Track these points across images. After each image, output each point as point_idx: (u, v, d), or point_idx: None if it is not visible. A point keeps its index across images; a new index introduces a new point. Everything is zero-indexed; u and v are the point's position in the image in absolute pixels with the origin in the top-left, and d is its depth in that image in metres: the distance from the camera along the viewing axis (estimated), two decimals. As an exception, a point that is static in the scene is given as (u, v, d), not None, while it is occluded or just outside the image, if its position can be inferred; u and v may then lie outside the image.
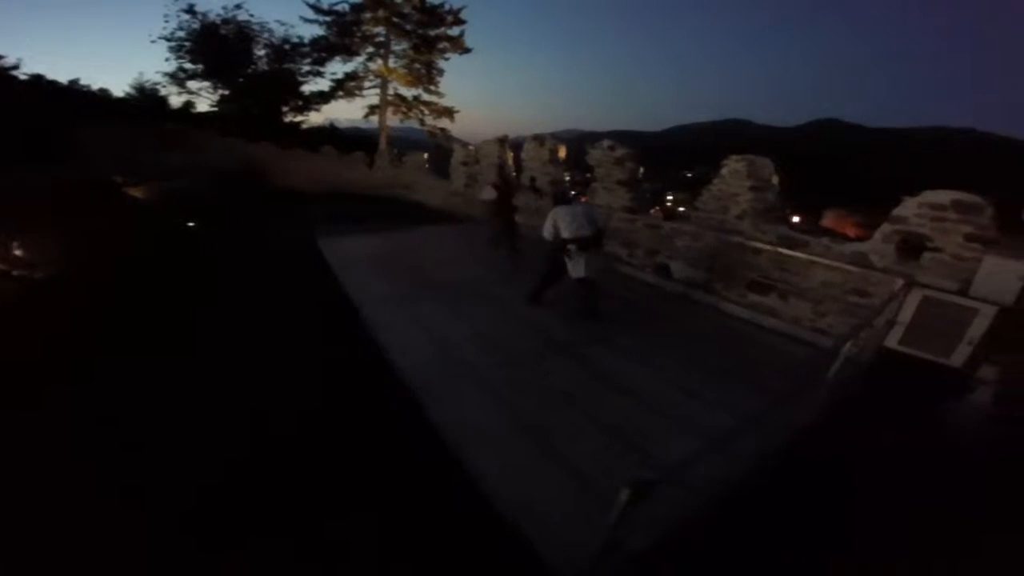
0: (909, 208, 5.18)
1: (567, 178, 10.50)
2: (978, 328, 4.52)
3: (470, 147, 13.81)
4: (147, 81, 27.92)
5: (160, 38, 25.35)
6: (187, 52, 25.67)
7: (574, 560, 2.48)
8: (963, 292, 4.69)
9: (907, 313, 4.88)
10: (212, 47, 25.53)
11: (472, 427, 3.72)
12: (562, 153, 10.30)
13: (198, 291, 6.79)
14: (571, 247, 5.54)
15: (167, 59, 25.82)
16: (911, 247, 5.20)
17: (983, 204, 4.71)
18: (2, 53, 22.89)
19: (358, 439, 3.68)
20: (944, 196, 4.93)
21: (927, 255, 5.05)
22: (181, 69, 26.14)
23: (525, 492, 3.05)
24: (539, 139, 10.52)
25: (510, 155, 12.06)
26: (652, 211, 8.96)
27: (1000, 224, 4.69)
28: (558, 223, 5.60)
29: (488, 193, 8.99)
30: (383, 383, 4.46)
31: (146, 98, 27.37)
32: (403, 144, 23.87)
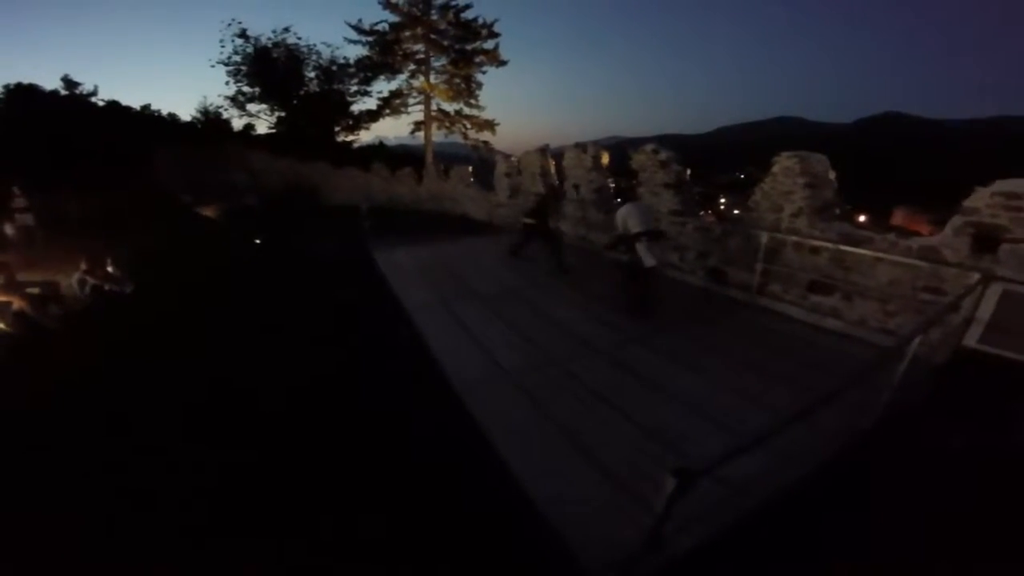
0: (981, 199, 4.84)
1: (611, 184, 10.41)
2: (1070, 325, 4.15)
3: (512, 158, 13.96)
4: (211, 105, 29.92)
5: (218, 63, 27.14)
6: (244, 76, 27.31)
7: (609, 560, 2.46)
8: (1050, 286, 4.32)
9: (986, 310, 4.53)
10: (266, 70, 27.06)
11: (512, 427, 3.78)
12: (605, 159, 10.23)
13: (268, 301, 7.22)
14: (643, 239, 5.93)
15: (227, 83, 27.59)
16: (987, 240, 4.84)
17: None
18: (80, 80, 25.05)
19: (404, 437, 3.80)
20: (1019, 185, 4.57)
21: (1005, 247, 4.69)
22: (240, 92, 27.87)
23: (563, 494, 3.06)
24: (581, 146, 10.51)
25: (552, 164, 12.09)
26: (702, 214, 8.73)
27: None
28: (628, 219, 6.08)
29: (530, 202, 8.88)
30: (430, 383, 4.59)
31: (210, 121, 29.33)
32: (448, 158, 24.50)
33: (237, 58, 27.05)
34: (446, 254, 9.58)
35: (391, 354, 5.31)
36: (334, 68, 28.75)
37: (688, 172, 8.36)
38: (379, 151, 31.97)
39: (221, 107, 29.08)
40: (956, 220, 5.03)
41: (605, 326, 5.89)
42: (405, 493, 3.20)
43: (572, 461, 3.42)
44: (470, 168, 17.37)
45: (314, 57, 28.64)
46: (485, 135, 27.89)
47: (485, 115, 27.65)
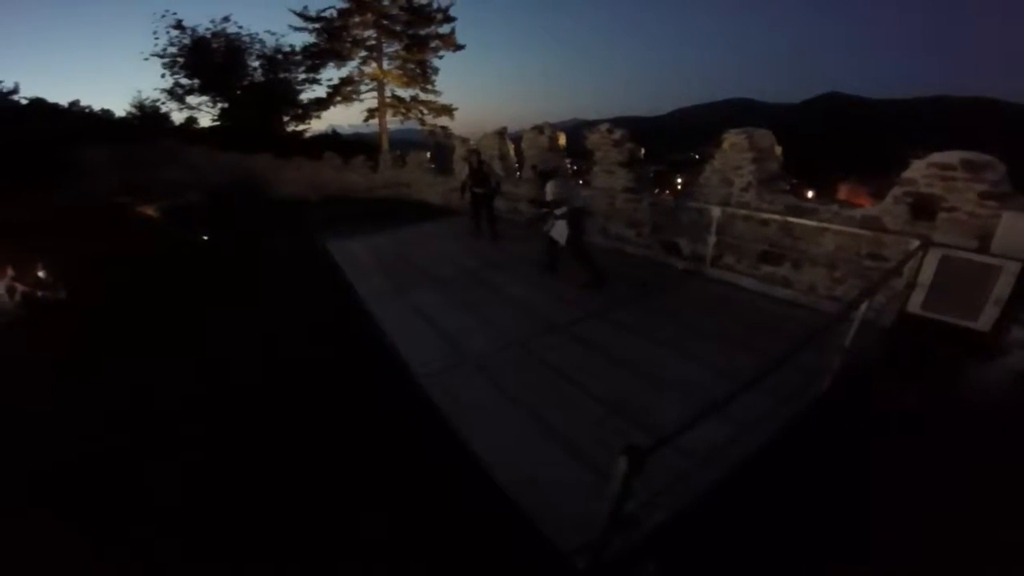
0: (918, 170, 5.04)
1: (571, 166, 10.37)
2: (1004, 286, 4.33)
3: (470, 142, 13.72)
4: (146, 99, 28.18)
5: (153, 55, 25.60)
6: (181, 68, 25.90)
7: (582, 540, 2.42)
8: (983, 250, 4.52)
9: (927, 275, 4.71)
10: (204, 61, 25.74)
11: (477, 413, 3.70)
12: (561, 140, 10.17)
13: (215, 299, 6.82)
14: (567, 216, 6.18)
15: (163, 75, 26.08)
16: (924, 208, 5.04)
17: (994, 162, 4.57)
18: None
19: (364, 429, 3.66)
20: (952, 156, 4.79)
21: (942, 215, 4.89)
22: (178, 85, 26.44)
23: (533, 478, 3.00)
24: (538, 128, 10.41)
25: (511, 147, 11.95)
26: (657, 191, 8.82)
27: (1016, 183, 4.54)
28: (559, 194, 6.24)
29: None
30: (390, 373, 4.44)
31: (147, 116, 27.66)
32: (405, 145, 23.92)
33: (173, 50, 25.64)
34: (403, 241, 9.35)
35: (347, 349, 5.10)
36: (279, 57, 27.53)
37: (642, 151, 8.40)
38: (332, 140, 30.88)
39: (158, 101, 27.49)
40: (896, 190, 5.21)
41: (564, 302, 5.87)
42: (372, 487, 3.08)
43: (540, 443, 3.36)
44: (428, 154, 16.99)
45: (257, 46, 27.36)
46: (443, 120, 27.33)
47: (442, 100, 27.10)
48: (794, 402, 3.59)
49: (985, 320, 4.49)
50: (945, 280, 4.65)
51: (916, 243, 4.70)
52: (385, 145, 25.52)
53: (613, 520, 1.94)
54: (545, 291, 6.26)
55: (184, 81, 26.32)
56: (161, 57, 25.64)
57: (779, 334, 4.93)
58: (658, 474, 1.81)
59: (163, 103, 27.41)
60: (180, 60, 25.76)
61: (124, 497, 3.02)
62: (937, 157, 4.89)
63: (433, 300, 6.09)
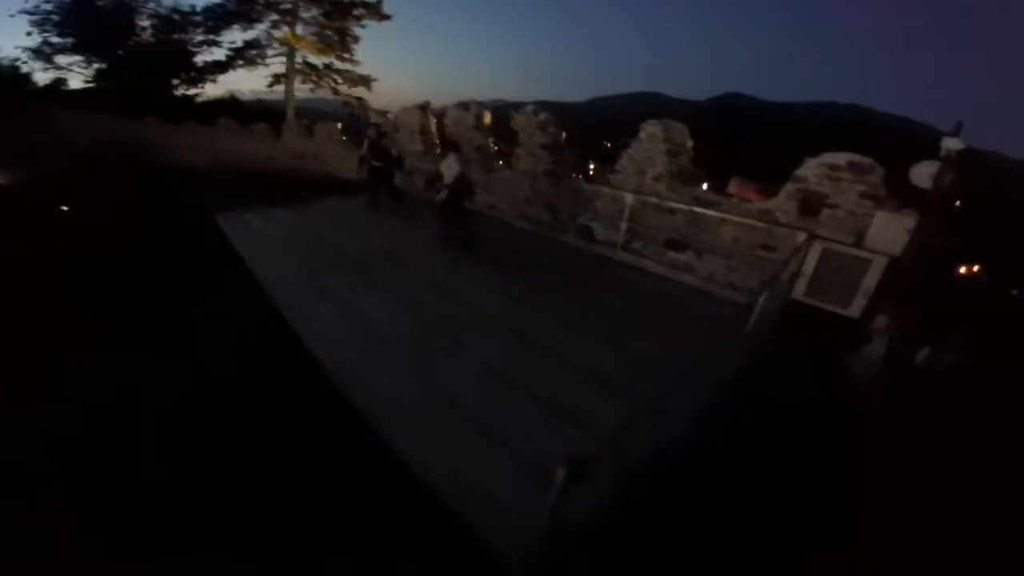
0: (810, 168, 5.49)
1: (493, 146, 10.18)
2: (871, 278, 4.88)
3: (388, 115, 13.08)
4: (3, 58, 23.98)
5: (21, 12, 21.83)
6: (54, 26, 22.30)
7: (519, 540, 2.36)
8: (858, 245, 5.04)
9: (809, 265, 5.18)
10: (85, 20, 22.34)
11: (398, 406, 3.50)
12: (488, 119, 9.95)
13: (80, 284, 5.84)
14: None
15: (29, 33, 22.29)
16: (811, 204, 5.51)
17: (875, 165, 5.08)
18: None
19: (279, 431, 3.32)
20: (841, 158, 5.26)
21: (826, 211, 5.38)
22: (47, 43, 22.68)
23: (459, 472, 2.90)
24: (463, 105, 10.11)
25: (433, 122, 11.53)
26: (575, 177, 8.93)
27: (889, 186, 5.08)
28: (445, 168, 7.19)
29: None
30: (301, 368, 4.06)
31: (3, 76, 23.51)
32: (315, 115, 22.27)
33: (48, 6, 21.85)
34: (308, 216, 8.71)
35: (245, 338, 4.60)
36: (176, 17, 24.37)
37: (564, 135, 8.44)
38: (230, 106, 27.98)
39: (18, 60, 23.41)
40: (788, 187, 5.66)
41: (487, 288, 5.79)
42: (280, 498, 2.79)
43: (471, 441, 3.20)
44: (339, 125, 15.97)
45: (151, 4, 24.01)
46: (360, 91, 25.73)
47: (361, 70, 25.45)
48: (702, 390, 3.71)
49: (855, 308, 5.04)
50: (825, 271, 5.15)
51: (803, 236, 5.14)
52: (291, 113, 23.64)
53: (552, 525, 1.88)
54: (468, 276, 6.14)
55: (55, 40, 22.64)
56: (31, 14, 21.85)
57: (686, 320, 5.26)
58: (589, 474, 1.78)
59: (24, 62, 23.40)
60: (54, 17, 22.09)
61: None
62: (828, 157, 5.36)
63: (349, 284, 5.68)
